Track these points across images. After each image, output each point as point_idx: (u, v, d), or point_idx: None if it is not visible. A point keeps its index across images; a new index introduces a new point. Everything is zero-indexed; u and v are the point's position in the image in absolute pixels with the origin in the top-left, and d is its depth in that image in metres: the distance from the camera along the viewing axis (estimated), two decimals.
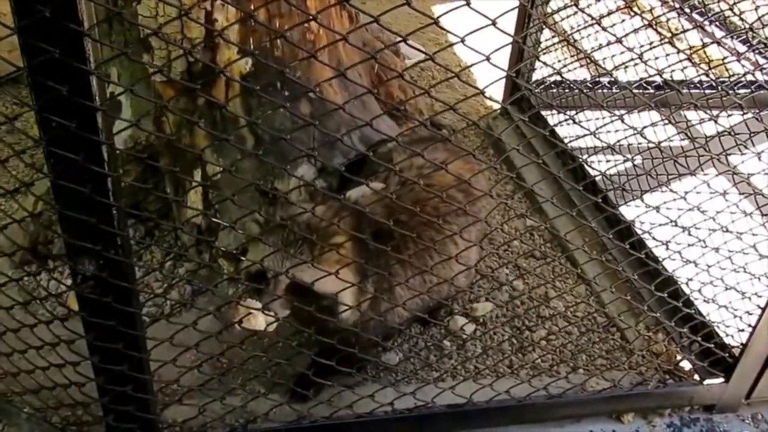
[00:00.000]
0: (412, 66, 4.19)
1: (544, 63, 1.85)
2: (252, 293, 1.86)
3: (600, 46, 2.97)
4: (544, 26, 3.54)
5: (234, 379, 2.13)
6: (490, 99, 1.62)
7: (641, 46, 2.84)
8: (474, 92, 1.54)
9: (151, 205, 2.78)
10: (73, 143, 1.37)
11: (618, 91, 3.59)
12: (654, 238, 1.98)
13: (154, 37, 2.42)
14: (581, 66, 3.51)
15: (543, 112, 3.64)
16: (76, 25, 1.21)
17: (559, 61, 3.62)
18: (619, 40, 1.72)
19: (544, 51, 3.50)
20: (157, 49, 2.50)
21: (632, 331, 2.38)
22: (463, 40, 1.35)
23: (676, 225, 1.95)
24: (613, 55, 3.05)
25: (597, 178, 2.92)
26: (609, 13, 1.86)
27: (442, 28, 1.41)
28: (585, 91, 2.05)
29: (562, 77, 2.07)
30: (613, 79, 3.63)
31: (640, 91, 3.46)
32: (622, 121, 1.73)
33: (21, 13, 1.19)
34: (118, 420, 1.76)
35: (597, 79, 3.71)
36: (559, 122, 3.21)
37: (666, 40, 2.52)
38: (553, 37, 3.62)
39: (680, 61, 2.26)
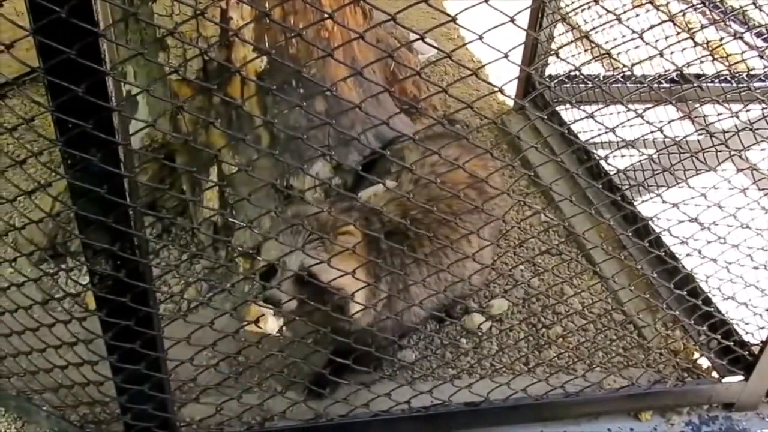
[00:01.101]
0: (430, 64, 4.18)
1: (563, 59, 1.82)
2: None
3: (617, 41, 2.93)
4: (558, 21, 3.51)
5: (251, 378, 2.13)
6: (503, 93, 1.60)
7: (656, 40, 2.80)
8: (488, 88, 1.52)
9: (167, 203, 2.80)
10: (89, 143, 1.37)
11: (634, 85, 3.60)
12: (673, 235, 1.95)
13: (170, 36, 2.43)
14: (595, 61, 3.47)
15: (558, 108, 3.62)
16: (91, 26, 1.21)
17: (573, 55, 3.59)
18: (640, 36, 1.69)
19: (560, 46, 3.47)
20: (173, 47, 2.51)
21: (650, 328, 2.35)
22: (481, 37, 1.34)
23: (696, 222, 1.92)
24: (628, 50, 3.01)
25: (614, 175, 2.91)
26: (626, 11, 1.83)
27: (460, 26, 1.39)
28: (603, 86, 2.04)
29: (581, 73, 2.04)
30: (630, 74, 3.58)
31: (658, 85, 3.46)
32: (642, 118, 1.70)
33: (37, 13, 1.20)
34: (136, 418, 1.78)
35: (611, 74, 3.67)
36: (576, 120, 3.17)
37: (682, 33, 2.47)
38: (567, 31, 3.59)
39: (701, 58, 2.21)
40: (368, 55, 3.24)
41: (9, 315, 1.76)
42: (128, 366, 1.61)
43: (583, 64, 2.91)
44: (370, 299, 1.90)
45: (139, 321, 1.56)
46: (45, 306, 1.69)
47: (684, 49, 3.02)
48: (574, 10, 3.31)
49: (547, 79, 3.79)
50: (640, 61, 2.03)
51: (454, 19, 1.40)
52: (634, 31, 1.68)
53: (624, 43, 1.90)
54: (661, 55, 1.70)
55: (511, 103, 3.94)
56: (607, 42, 3.07)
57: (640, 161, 2.96)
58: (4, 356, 1.88)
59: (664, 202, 1.88)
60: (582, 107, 1.79)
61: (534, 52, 3.65)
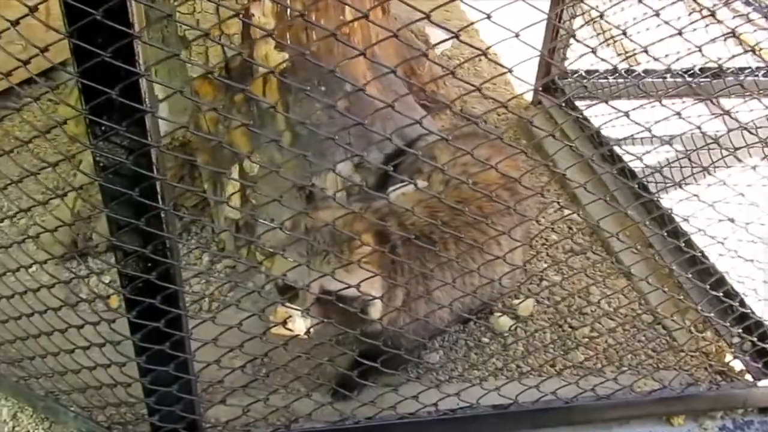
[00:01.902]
0: (441, 42, 4.08)
1: (595, 55, 1.77)
2: (292, 298, 1.83)
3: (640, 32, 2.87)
4: (579, 15, 3.45)
5: (278, 380, 2.11)
6: (519, 79, 1.57)
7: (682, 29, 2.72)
8: (503, 73, 1.48)
9: (188, 201, 2.79)
10: (121, 146, 1.36)
11: (662, 78, 3.52)
12: (708, 235, 1.91)
13: (192, 33, 2.41)
14: (618, 55, 3.42)
15: (577, 102, 3.56)
16: (126, 28, 1.19)
17: (593, 49, 3.52)
18: (679, 33, 1.64)
19: (580, 27, 3.39)
20: (194, 45, 2.49)
21: (681, 330, 2.31)
22: (517, 35, 1.31)
23: (731, 221, 1.88)
24: (653, 42, 2.94)
25: (642, 175, 2.84)
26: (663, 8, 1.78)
27: (494, 22, 1.36)
28: (627, 81, 1.99)
29: (616, 69, 1.98)
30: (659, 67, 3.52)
31: (692, 79, 3.40)
32: (680, 116, 1.66)
33: (72, 16, 1.18)
34: (163, 420, 1.77)
35: (634, 67, 3.61)
36: (600, 116, 3.12)
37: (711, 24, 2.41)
38: (587, 23, 3.53)
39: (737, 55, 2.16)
40: (388, 50, 3.21)
41: (37, 315, 1.75)
42: (157, 367, 1.60)
43: (621, 58, 2.84)
44: (390, 302, 1.87)
45: (168, 323, 1.54)
46: (73, 307, 1.68)
47: (714, 39, 2.96)
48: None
49: (567, 74, 3.76)
50: (679, 59, 1.97)
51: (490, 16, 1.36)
52: (678, 30, 1.64)
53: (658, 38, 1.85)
54: (700, 51, 1.65)
55: (530, 97, 3.87)
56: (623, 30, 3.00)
57: (670, 158, 2.91)
58: (33, 357, 1.88)
59: (699, 200, 1.84)
60: (610, 103, 1.74)
61: (553, 52, 3.61)
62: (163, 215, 1.41)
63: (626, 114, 1.68)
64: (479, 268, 1.84)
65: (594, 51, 1.47)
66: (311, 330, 1.73)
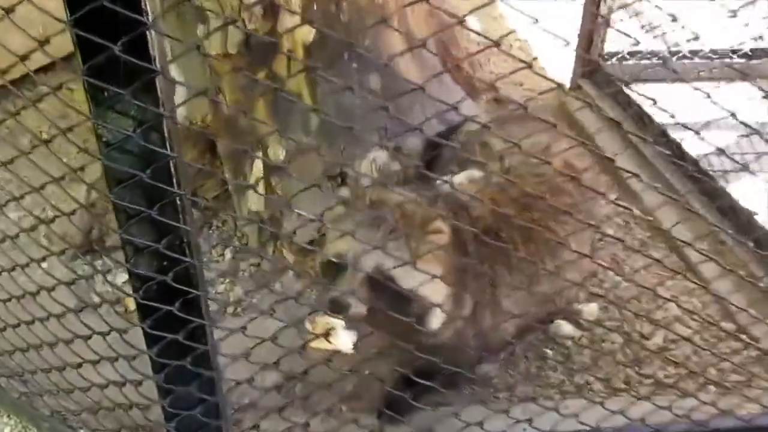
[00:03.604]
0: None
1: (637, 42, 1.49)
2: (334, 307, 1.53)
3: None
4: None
5: (318, 401, 1.77)
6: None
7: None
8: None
9: (208, 192, 2.54)
10: (128, 115, 1.11)
11: (703, 61, 3.27)
12: None
13: (210, 5, 2.16)
14: (655, 37, 3.17)
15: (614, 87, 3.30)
16: (139, 15, 0.97)
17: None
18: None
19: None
20: (212, 18, 2.23)
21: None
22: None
23: None
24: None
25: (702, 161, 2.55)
26: None
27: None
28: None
29: (672, 51, 1.70)
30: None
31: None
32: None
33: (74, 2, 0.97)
34: None
35: (677, 49, 3.33)
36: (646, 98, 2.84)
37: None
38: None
39: None
40: (423, 27, 2.94)
41: (39, 323, 1.51)
42: (177, 387, 1.34)
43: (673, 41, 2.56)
44: (454, 310, 1.59)
45: (189, 334, 1.29)
46: (79, 314, 1.42)
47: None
48: None
49: (607, 57, 3.51)
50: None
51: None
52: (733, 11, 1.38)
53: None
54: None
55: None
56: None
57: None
58: (35, 371, 1.63)
59: None
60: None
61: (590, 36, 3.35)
62: (179, 202, 1.15)
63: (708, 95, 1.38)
64: (553, 273, 1.54)
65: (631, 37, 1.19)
66: (358, 343, 1.45)
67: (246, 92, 2.28)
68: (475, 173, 1.98)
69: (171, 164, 1.15)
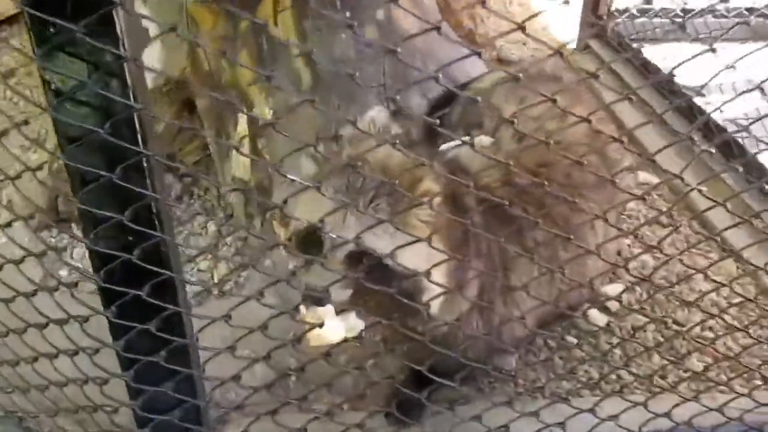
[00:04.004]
0: None
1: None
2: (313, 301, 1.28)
3: None
4: None
5: (317, 401, 1.57)
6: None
7: None
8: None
9: (187, 157, 2.30)
10: (81, 58, 0.88)
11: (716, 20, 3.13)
12: None
13: None
14: None
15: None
16: None
17: None
18: None
19: None
20: None
21: None
22: None
23: None
24: None
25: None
26: None
27: None
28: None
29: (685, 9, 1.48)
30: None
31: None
32: None
33: None
34: None
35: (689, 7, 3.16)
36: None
37: None
38: None
39: None
40: None
41: None
42: (149, 387, 1.13)
43: None
44: (456, 291, 1.36)
45: (163, 323, 1.07)
46: (32, 297, 1.19)
47: None
48: None
49: (616, 13, 3.32)
50: None
51: None
52: None
53: None
54: None
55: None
56: None
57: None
58: None
59: None
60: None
61: None
62: (146, 164, 0.93)
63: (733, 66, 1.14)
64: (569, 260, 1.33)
65: None
66: (362, 333, 1.22)
67: (228, 42, 2.03)
68: (484, 139, 1.76)
69: (135, 117, 0.92)
